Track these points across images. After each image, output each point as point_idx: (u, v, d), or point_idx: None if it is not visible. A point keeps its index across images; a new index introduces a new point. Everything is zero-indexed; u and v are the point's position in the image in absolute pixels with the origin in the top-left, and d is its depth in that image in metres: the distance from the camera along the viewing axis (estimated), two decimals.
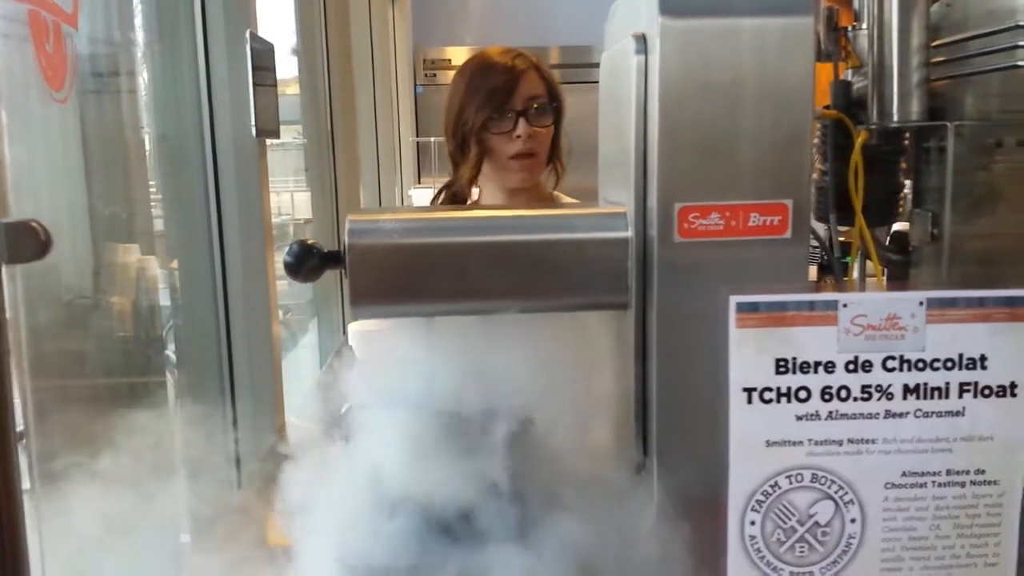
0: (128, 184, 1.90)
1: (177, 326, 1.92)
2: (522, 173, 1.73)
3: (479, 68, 1.72)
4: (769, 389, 0.71)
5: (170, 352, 1.98)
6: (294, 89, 3.47)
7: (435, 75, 4.70)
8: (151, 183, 1.91)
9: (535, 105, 1.71)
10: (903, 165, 1.19)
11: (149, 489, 1.77)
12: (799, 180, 0.88)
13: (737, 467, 0.72)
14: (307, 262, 0.95)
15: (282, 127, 2.07)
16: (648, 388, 0.91)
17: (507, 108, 1.69)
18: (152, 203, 1.92)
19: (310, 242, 0.96)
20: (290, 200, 4.73)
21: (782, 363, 0.71)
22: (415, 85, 4.80)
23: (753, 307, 0.71)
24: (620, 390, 0.96)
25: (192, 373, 1.90)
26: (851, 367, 0.72)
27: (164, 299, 1.95)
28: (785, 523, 0.73)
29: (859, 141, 1.12)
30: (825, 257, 1.22)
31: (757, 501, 0.73)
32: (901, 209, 1.20)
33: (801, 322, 0.71)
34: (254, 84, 1.75)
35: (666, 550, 0.84)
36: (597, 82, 1.10)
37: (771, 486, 0.72)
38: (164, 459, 1.90)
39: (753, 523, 0.73)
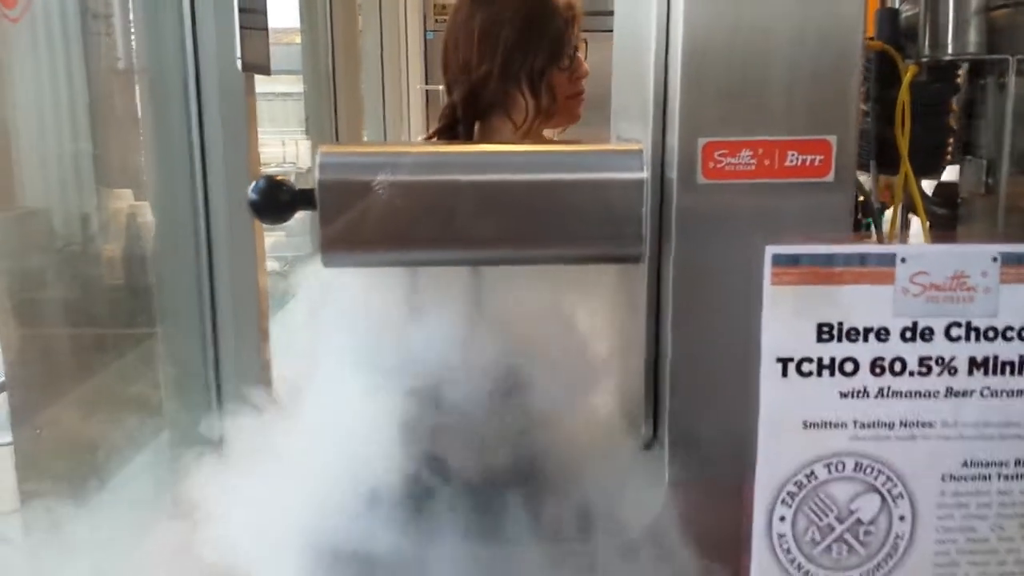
0: (116, 123, 1.79)
1: (156, 275, 1.81)
2: (577, 110, 1.67)
3: (538, 7, 1.61)
4: (809, 359, 0.59)
5: None
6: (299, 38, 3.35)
7: (446, 20, 4.52)
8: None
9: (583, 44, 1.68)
10: (953, 107, 1.05)
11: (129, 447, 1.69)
12: (844, 114, 0.75)
13: (767, 451, 0.60)
14: (275, 200, 0.83)
15: (286, 76, 1.93)
16: (662, 353, 0.79)
17: (574, 48, 1.63)
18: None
19: (279, 178, 0.84)
20: (295, 149, 4.62)
21: (825, 328, 0.59)
22: (425, 31, 4.63)
23: (793, 260, 0.59)
24: (628, 355, 0.84)
25: (172, 323, 1.79)
26: (908, 335, 0.60)
27: None
28: (821, 519, 0.61)
29: (908, 77, 0.99)
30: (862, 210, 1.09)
31: (789, 492, 0.61)
32: (949, 156, 1.06)
33: (850, 279, 0.59)
34: (240, 9, 1.61)
35: (676, 542, 0.73)
36: (611, 30, 0.98)
37: (806, 475, 0.61)
38: (145, 415, 1.81)
39: (783, 518, 0.61)
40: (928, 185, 1.12)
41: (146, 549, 1.17)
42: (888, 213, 1.06)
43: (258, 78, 1.85)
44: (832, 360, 0.59)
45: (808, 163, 0.74)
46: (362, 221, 0.79)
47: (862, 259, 0.59)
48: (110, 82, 1.76)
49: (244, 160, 1.68)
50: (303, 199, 0.82)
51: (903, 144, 0.99)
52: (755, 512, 0.61)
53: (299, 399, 0.95)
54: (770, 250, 0.59)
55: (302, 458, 0.89)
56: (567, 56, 1.62)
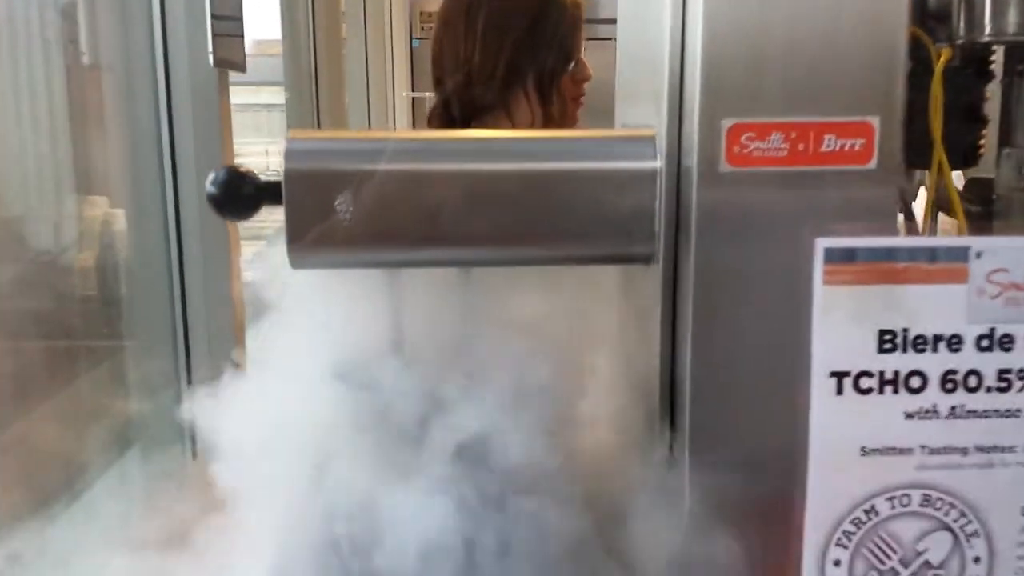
0: (92, 127, 1.69)
1: (126, 284, 1.71)
2: (575, 114, 1.64)
3: (546, 6, 1.53)
4: (868, 374, 0.50)
5: None
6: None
7: (432, 29, 4.45)
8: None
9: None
10: (987, 95, 0.96)
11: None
12: (888, 93, 0.66)
13: (819, 483, 0.50)
14: (237, 193, 0.73)
15: (271, 88, 1.85)
16: (679, 364, 0.70)
17: (579, 49, 1.59)
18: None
19: (242, 169, 0.74)
20: (279, 159, 4.55)
21: (888, 336, 0.50)
22: (411, 38, 4.55)
23: (848, 255, 0.49)
24: (641, 363, 0.74)
25: (143, 335, 1.69)
26: (985, 343, 0.50)
27: None
28: (883, 563, 0.51)
29: (941, 62, 0.89)
30: None
31: (845, 532, 0.51)
32: (983, 150, 0.97)
33: (916, 278, 0.49)
34: (213, 16, 1.51)
35: None
36: (605, 39, 0.89)
37: (866, 511, 0.51)
38: (113, 432, 1.71)
39: (838, 563, 0.51)
40: (959, 180, 1.03)
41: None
42: None
43: (242, 89, 1.75)
44: (896, 374, 0.50)
45: (847, 148, 0.65)
46: (334, 216, 0.69)
47: (931, 254, 0.49)
48: (83, 82, 1.67)
49: (218, 163, 1.57)
50: (269, 192, 0.72)
51: (937, 134, 0.89)
52: (805, 555, 0.51)
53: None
54: (821, 244, 0.49)
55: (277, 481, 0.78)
56: (574, 58, 1.55)
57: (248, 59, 2.06)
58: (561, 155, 0.72)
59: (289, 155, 0.69)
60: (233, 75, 1.67)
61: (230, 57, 1.55)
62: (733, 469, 0.66)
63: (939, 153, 0.89)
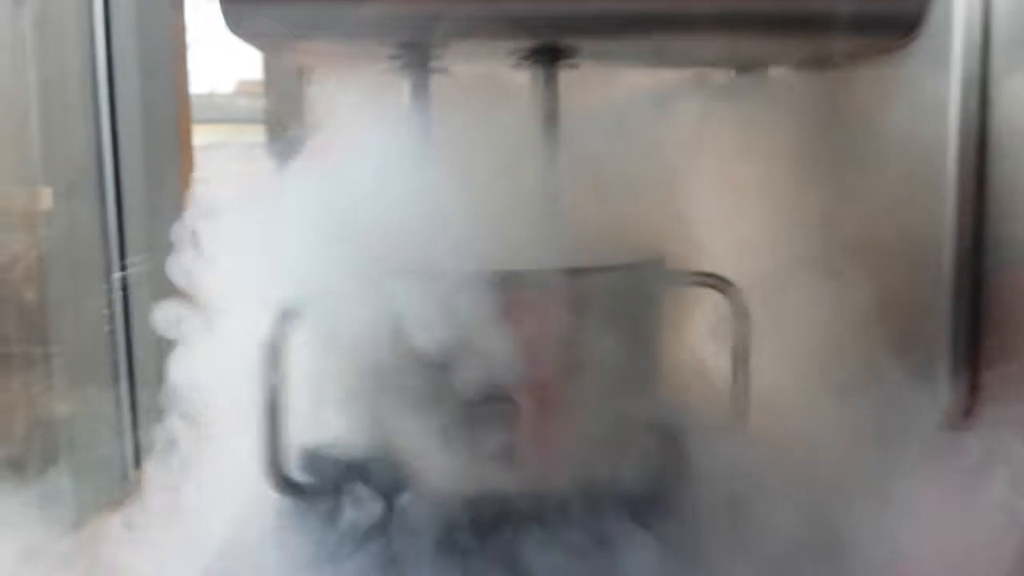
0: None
1: (50, 271, 1.41)
2: None
3: None
4: None
5: None
6: None
7: None
8: None
9: None
10: None
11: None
12: None
13: None
14: None
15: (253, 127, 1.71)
16: (997, 259, 0.35)
17: None
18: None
19: None
20: None
21: None
22: None
23: None
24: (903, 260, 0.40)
25: (73, 340, 1.37)
26: None
27: None
28: None
29: None
30: None
31: None
32: None
33: None
34: None
35: None
36: None
37: None
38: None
39: None
40: None
41: None
42: None
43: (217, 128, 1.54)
44: None
45: None
46: None
47: None
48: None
49: (169, 96, 1.24)
50: None
51: None
52: None
53: None
54: None
55: None
56: None
57: (229, 100, 1.85)
58: None
59: None
60: (211, 112, 1.45)
61: None
62: None
63: None
